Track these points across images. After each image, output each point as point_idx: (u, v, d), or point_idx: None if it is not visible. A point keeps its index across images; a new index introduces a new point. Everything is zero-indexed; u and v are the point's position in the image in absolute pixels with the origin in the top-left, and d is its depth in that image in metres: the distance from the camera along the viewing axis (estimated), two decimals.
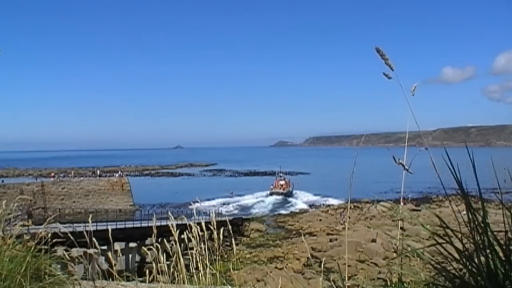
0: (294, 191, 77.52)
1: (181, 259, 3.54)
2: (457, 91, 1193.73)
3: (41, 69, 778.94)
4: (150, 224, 27.97)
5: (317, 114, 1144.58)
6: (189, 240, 3.68)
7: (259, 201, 70.64)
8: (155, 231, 3.90)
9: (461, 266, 1.69)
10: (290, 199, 72.61)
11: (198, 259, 3.56)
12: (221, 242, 3.72)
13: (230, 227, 4.27)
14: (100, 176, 71.06)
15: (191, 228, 3.71)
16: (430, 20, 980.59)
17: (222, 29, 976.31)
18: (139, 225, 32.79)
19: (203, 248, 3.62)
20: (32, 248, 3.40)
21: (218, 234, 3.74)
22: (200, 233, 3.70)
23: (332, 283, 2.46)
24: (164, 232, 5.48)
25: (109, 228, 5.01)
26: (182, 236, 3.71)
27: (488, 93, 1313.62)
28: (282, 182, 77.38)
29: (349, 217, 44.75)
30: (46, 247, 3.47)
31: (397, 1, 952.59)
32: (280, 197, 72.92)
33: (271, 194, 74.73)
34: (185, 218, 3.82)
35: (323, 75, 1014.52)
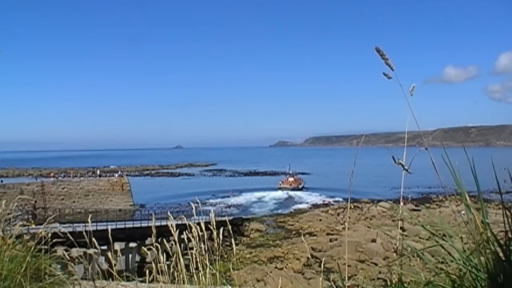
0: (303, 187, 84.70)
1: (181, 259, 3.54)
2: (458, 91, 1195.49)
3: (40, 70, 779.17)
4: (150, 224, 27.97)
5: (317, 114, 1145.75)
6: (189, 240, 3.67)
7: (260, 201, 70.97)
8: (154, 231, 3.89)
9: (461, 266, 1.69)
10: (296, 195, 75.81)
11: (198, 259, 3.56)
12: (221, 242, 3.72)
13: (230, 227, 4.25)
14: (100, 176, 70.93)
15: (191, 228, 3.70)
16: (432, 19, 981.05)
17: (222, 29, 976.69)
18: (139, 225, 32.81)
19: (203, 248, 3.62)
20: (32, 248, 3.40)
21: (218, 234, 3.73)
22: (200, 233, 3.69)
23: (332, 283, 2.45)
24: (164, 232, 5.47)
25: (109, 228, 5.01)
26: (182, 236, 3.70)
27: (490, 93, 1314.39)
28: (291, 179, 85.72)
29: (349, 217, 44.76)
30: (46, 247, 3.47)
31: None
32: (284, 195, 76.47)
33: (279, 189, 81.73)
34: (185, 218, 3.82)
35: (323, 75, 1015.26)
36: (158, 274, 3.73)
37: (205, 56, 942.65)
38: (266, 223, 50.17)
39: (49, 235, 3.62)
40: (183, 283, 3.51)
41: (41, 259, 3.38)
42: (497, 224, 1.68)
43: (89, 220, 4.59)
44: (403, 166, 1.95)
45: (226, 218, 5.19)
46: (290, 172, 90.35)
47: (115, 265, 4.22)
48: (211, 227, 3.76)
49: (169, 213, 4.35)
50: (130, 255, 31.43)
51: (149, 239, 27.05)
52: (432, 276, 1.84)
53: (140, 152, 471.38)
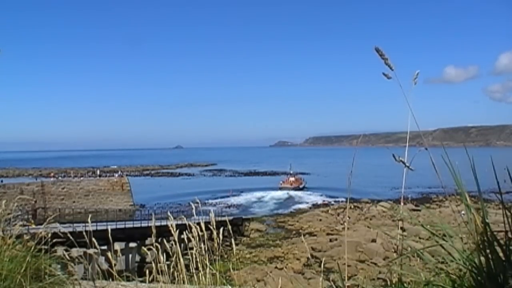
0: (303, 187, 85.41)
1: (181, 259, 3.53)
2: (458, 91, 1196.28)
3: (40, 70, 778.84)
4: (150, 224, 27.93)
5: (317, 114, 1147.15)
6: (189, 240, 3.67)
7: (260, 201, 70.99)
8: (154, 231, 3.89)
9: (461, 266, 1.69)
10: (296, 194, 76.10)
11: (198, 259, 3.55)
12: (221, 242, 3.71)
13: (230, 227, 4.24)
14: (100, 176, 70.89)
15: (191, 228, 3.70)
16: (432, 19, 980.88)
17: (222, 29, 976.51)
18: (139, 225, 32.80)
19: (203, 248, 3.62)
20: (32, 248, 3.40)
21: (218, 234, 3.73)
22: (200, 233, 3.69)
23: (332, 283, 2.45)
24: (164, 232, 5.47)
25: (109, 228, 5.01)
26: (182, 236, 3.70)
27: (490, 93, 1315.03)
28: (292, 179, 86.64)
29: (349, 217, 44.75)
30: (46, 247, 3.47)
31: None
32: (284, 194, 76.79)
33: (280, 189, 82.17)
34: (185, 218, 3.82)
35: (324, 75, 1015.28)
36: (158, 274, 3.72)
37: (205, 56, 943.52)
38: (266, 223, 50.14)
39: (49, 235, 3.62)
40: (183, 283, 3.51)
41: (41, 259, 3.38)
42: (497, 224, 1.68)
43: (89, 220, 4.59)
44: (404, 163, 1.95)
45: (226, 218, 5.18)
46: (291, 172, 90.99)
47: (115, 265, 4.22)
48: (211, 227, 3.76)
49: (169, 213, 4.34)
50: (130, 255, 31.42)
51: (149, 239, 27.03)
52: (432, 276, 1.84)
53: (140, 152, 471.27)
